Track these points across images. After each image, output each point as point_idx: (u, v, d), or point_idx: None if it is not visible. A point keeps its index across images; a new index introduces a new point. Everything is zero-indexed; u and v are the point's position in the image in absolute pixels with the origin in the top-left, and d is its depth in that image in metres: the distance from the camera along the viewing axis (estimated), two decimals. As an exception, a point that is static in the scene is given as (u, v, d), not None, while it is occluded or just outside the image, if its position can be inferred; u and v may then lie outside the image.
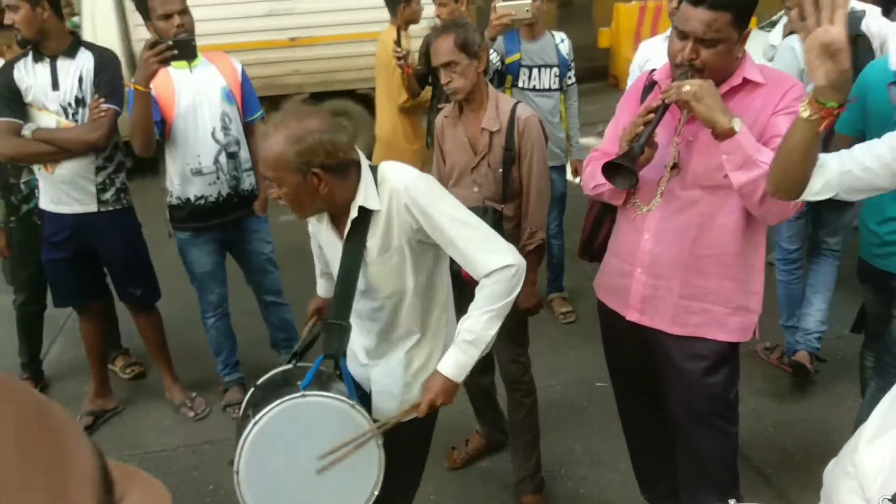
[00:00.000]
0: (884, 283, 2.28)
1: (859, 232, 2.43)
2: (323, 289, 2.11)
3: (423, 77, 3.53)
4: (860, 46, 2.57)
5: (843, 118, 2.38)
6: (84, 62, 2.81)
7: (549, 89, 3.52)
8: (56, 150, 2.78)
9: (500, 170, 2.34)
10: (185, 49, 2.61)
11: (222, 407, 3.28)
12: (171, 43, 2.56)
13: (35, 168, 2.94)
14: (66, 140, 2.79)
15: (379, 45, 3.84)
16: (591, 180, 1.98)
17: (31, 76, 2.78)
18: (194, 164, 2.87)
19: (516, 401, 2.57)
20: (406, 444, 1.83)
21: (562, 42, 3.55)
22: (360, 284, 1.75)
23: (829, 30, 1.33)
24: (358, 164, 1.69)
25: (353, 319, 1.77)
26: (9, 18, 2.70)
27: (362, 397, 1.85)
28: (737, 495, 2.03)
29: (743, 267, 1.85)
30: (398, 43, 3.51)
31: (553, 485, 2.71)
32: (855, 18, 2.68)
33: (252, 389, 1.89)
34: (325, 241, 1.87)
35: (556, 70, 3.50)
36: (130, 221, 3.05)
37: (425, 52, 3.29)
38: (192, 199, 2.91)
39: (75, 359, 3.58)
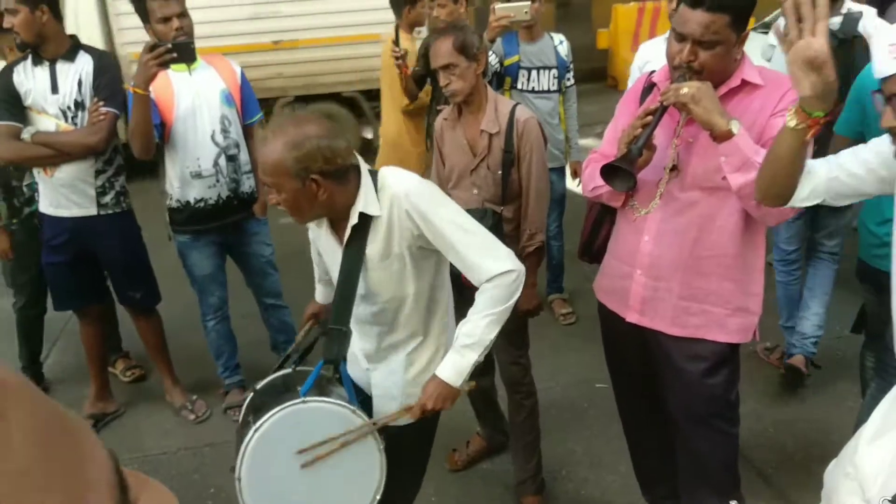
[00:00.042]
0: (883, 284, 2.28)
1: (859, 233, 2.43)
2: (321, 295, 2.11)
3: (421, 79, 3.53)
4: (857, 48, 2.57)
5: (843, 119, 2.39)
6: (83, 65, 2.81)
7: (548, 91, 3.53)
8: (55, 153, 2.78)
9: (500, 172, 2.34)
10: (184, 52, 2.61)
11: (223, 410, 3.28)
12: (170, 46, 2.56)
13: (34, 171, 2.94)
14: (66, 143, 2.79)
15: (384, 48, 3.84)
16: (590, 182, 1.98)
17: (30, 80, 2.79)
18: (194, 167, 2.87)
19: (517, 402, 2.57)
20: (407, 446, 1.83)
21: (560, 44, 3.55)
22: (360, 289, 1.75)
23: (811, 43, 1.34)
24: (357, 170, 1.69)
25: (353, 324, 1.76)
26: (8, 22, 2.71)
27: (364, 402, 1.85)
28: (738, 496, 2.03)
29: (742, 268, 1.85)
30: (396, 42, 3.51)
31: (554, 486, 2.71)
32: (852, 20, 2.69)
33: (251, 394, 1.89)
34: (325, 247, 1.87)
35: (554, 72, 3.51)
36: (130, 225, 3.06)
37: (424, 54, 3.30)
38: (192, 201, 2.92)
39: (75, 362, 3.58)
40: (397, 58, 3.34)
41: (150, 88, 2.63)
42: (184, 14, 2.76)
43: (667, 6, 2.92)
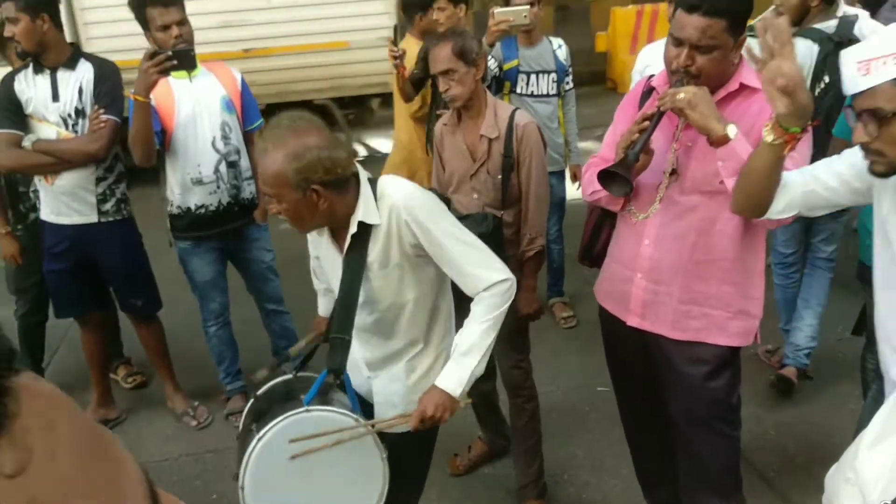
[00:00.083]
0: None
1: (858, 234, 2.43)
2: (324, 308, 2.12)
3: (419, 82, 3.54)
4: None
5: (841, 122, 2.40)
6: (84, 73, 2.82)
7: (548, 95, 3.54)
8: (56, 161, 2.79)
9: (500, 176, 2.34)
10: (184, 59, 2.62)
11: (224, 416, 3.28)
12: (170, 53, 2.57)
13: (35, 179, 2.95)
14: (66, 151, 2.80)
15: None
16: (589, 186, 1.99)
17: (31, 88, 2.79)
18: (194, 174, 2.88)
19: (518, 406, 2.57)
20: (408, 452, 1.83)
21: (559, 48, 3.56)
22: (360, 297, 1.76)
23: (781, 67, 1.36)
24: (357, 179, 1.70)
25: (353, 332, 1.77)
26: (9, 31, 2.72)
27: (366, 411, 1.85)
28: (740, 499, 2.04)
29: (742, 272, 1.85)
30: (395, 42, 3.51)
31: (555, 490, 2.71)
32: (848, 23, 2.70)
33: (252, 399, 1.90)
34: (325, 256, 1.87)
35: (553, 76, 3.52)
36: (131, 232, 3.06)
37: (424, 58, 3.30)
38: (193, 208, 2.92)
39: (77, 369, 3.58)
40: (395, 57, 3.34)
41: (151, 96, 2.64)
42: (183, 22, 2.77)
43: (667, 9, 2.93)
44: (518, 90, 3.48)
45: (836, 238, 3.06)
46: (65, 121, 2.80)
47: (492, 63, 3.25)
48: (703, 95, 1.65)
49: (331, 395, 1.80)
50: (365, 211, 1.67)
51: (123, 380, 3.60)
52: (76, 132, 2.82)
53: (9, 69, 2.95)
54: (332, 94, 6.37)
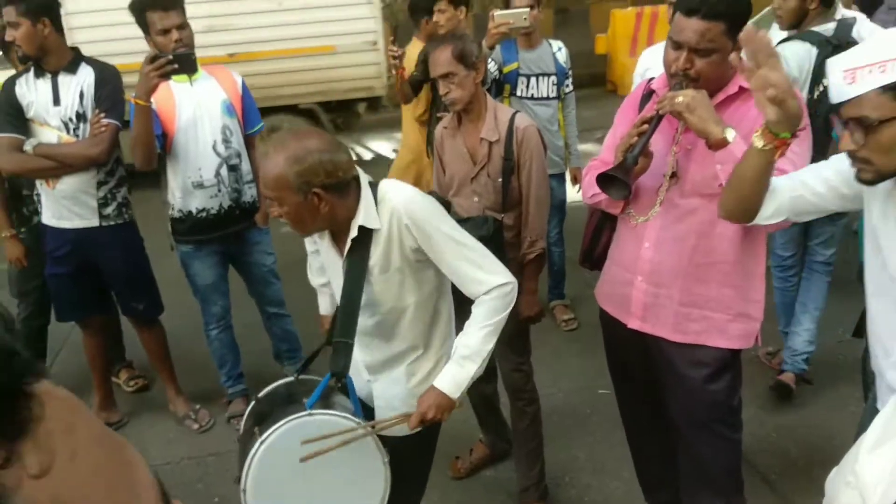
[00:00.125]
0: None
1: (858, 236, 2.43)
2: (325, 306, 2.12)
3: (417, 84, 3.55)
4: None
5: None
6: (85, 77, 2.83)
7: (547, 98, 3.54)
8: (57, 165, 2.80)
9: (500, 179, 2.35)
10: (185, 63, 2.63)
11: (226, 419, 3.28)
12: (171, 57, 2.58)
13: (37, 183, 2.96)
14: (68, 155, 2.80)
15: (405, 60, 3.85)
16: (590, 189, 1.99)
17: (32, 92, 2.80)
18: (195, 177, 2.89)
19: (519, 409, 2.57)
20: (409, 455, 1.83)
21: (559, 51, 3.57)
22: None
23: (769, 77, 1.36)
24: (358, 182, 1.70)
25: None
26: (10, 35, 2.72)
27: (367, 416, 1.85)
28: (741, 501, 2.04)
29: (742, 274, 1.86)
30: (394, 42, 3.52)
31: (557, 493, 2.71)
32: (846, 26, 2.71)
33: (253, 402, 1.90)
34: (327, 259, 1.88)
35: (553, 78, 3.52)
36: (132, 236, 3.07)
37: (423, 60, 3.31)
38: (194, 211, 2.93)
39: (79, 372, 3.58)
40: (394, 58, 3.34)
41: (152, 99, 2.65)
42: (183, 26, 2.78)
43: (666, 11, 2.93)
44: (518, 93, 3.48)
45: (835, 242, 3.06)
46: (66, 125, 2.81)
47: (492, 66, 3.25)
48: (701, 99, 1.65)
49: (332, 399, 1.80)
50: (366, 215, 1.68)
51: (125, 383, 3.60)
52: (77, 136, 2.82)
53: (13, 72, 2.96)
54: (318, 99, 6.39)
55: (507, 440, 2.83)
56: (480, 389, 2.66)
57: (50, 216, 2.95)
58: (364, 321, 1.79)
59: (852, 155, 1.36)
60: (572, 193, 3.56)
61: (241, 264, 3.19)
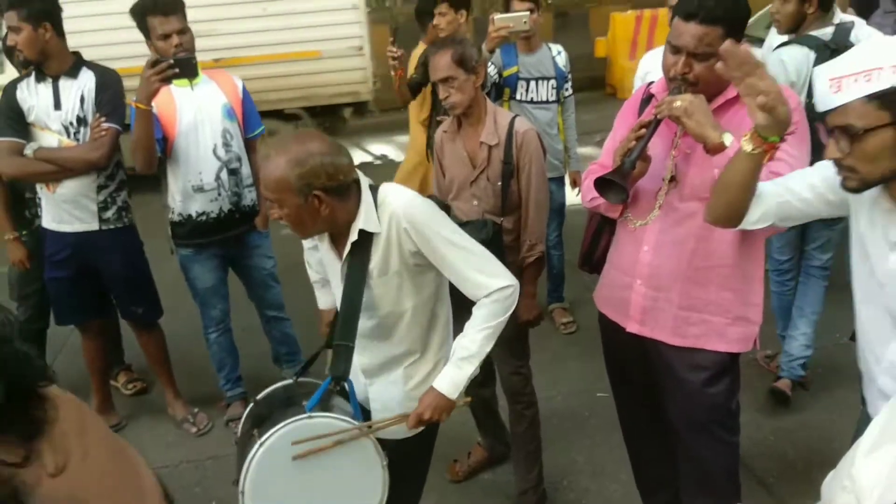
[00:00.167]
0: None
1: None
2: (323, 301, 2.13)
3: (416, 86, 3.55)
4: None
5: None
6: (86, 81, 2.84)
7: (547, 101, 3.55)
8: (58, 169, 2.80)
9: (499, 183, 2.35)
10: (185, 67, 2.64)
11: (225, 422, 3.28)
12: (172, 62, 2.59)
13: (37, 187, 2.96)
14: (68, 159, 2.81)
15: (410, 63, 3.86)
16: (589, 193, 2.00)
17: (33, 96, 2.81)
18: (196, 181, 2.89)
19: (518, 412, 2.58)
20: (406, 457, 1.84)
21: (558, 54, 3.58)
22: None
23: (757, 84, 1.37)
24: (358, 185, 1.71)
25: None
26: (11, 40, 2.73)
27: (367, 419, 1.86)
28: (739, 504, 2.04)
29: (741, 278, 1.86)
30: (394, 42, 3.53)
31: (555, 496, 2.71)
32: (844, 30, 2.72)
33: (252, 404, 1.90)
34: (326, 261, 1.88)
35: (553, 82, 3.53)
36: (132, 240, 3.07)
37: (423, 63, 3.32)
38: (194, 215, 2.94)
39: (78, 375, 3.58)
40: (393, 58, 3.35)
41: (153, 103, 2.65)
42: (184, 30, 2.79)
43: (666, 14, 2.94)
44: (518, 97, 3.49)
45: (832, 246, 3.06)
46: (67, 129, 2.82)
47: (491, 70, 3.26)
48: (699, 103, 1.66)
49: (331, 402, 1.81)
50: (366, 218, 1.68)
51: (124, 386, 3.60)
52: (78, 140, 2.83)
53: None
54: (303, 104, 6.43)
55: (505, 443, 2.83)
56: (479, 393, 2.66)
57: (50, 220, 2.96)
58: (362, 324, 1.80)
59: (838, 163, 1.36)
60: (571, 197, 3.57)
61: (241, 268, 3.19)
